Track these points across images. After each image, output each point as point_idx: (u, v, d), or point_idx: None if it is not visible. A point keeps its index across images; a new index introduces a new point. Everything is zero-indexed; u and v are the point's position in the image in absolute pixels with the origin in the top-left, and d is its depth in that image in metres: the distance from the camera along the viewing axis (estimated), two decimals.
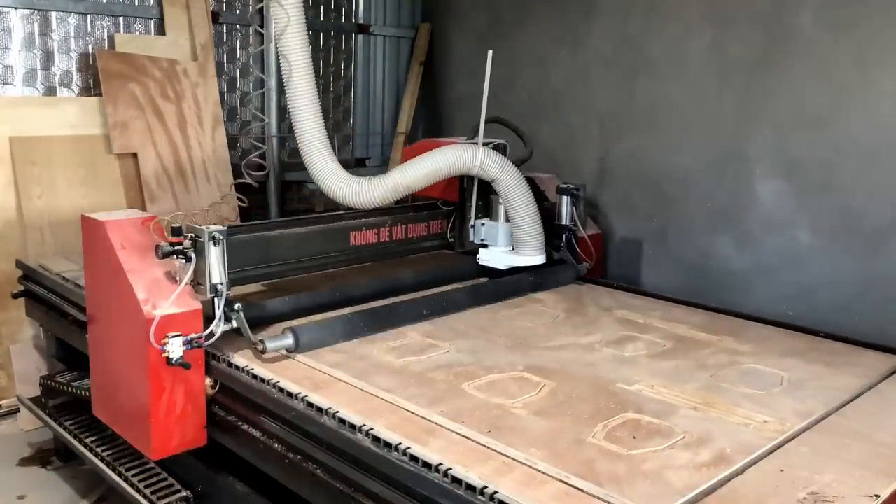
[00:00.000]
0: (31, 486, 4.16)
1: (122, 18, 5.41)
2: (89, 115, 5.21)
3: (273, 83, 6.10)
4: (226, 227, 3.09)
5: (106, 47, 5.35)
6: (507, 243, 4.23)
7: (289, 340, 3.14)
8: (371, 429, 2.53)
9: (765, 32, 4.62)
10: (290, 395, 2.85)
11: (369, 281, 4.01)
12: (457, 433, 2.52)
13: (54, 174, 4.98)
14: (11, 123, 4.89)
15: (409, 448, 2.40)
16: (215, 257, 3.02)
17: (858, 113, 4.26)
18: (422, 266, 4.38)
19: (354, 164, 6.88)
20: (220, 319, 3.05)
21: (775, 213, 4.65)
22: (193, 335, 2.96)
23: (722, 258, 4.92)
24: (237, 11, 6.04)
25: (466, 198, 4.37)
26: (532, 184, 4.34)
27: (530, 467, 2.30)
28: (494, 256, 4.22)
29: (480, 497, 2.18)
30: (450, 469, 2.28)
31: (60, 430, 4.10)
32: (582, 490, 2.18)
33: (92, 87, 5.32)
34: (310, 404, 2.75)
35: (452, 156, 3.93)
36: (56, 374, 4.32)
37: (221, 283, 3.04)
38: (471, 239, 4.37)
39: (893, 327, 4.07)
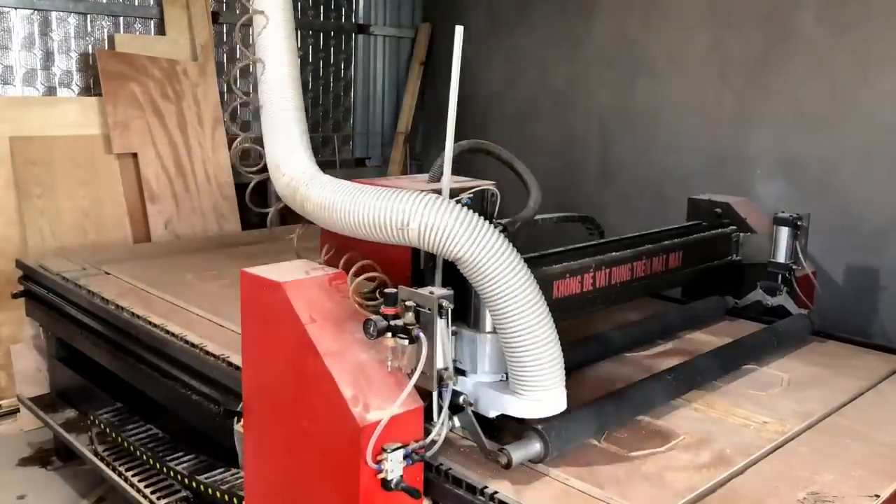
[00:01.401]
0: (31, 486, 4.16)
1: (122, 18, 5.41)
2: (89, 115, 5.21)
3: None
4: (451, 291, 2.23)
5: (106, 47, 5.34)
6: (496, 369, 2.42)
7: (536, 446, 2.26)
8: None
9: (765, 32, 4.62)
10: None
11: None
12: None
13: (54, 174, 4.98)
14: (11, 123, 4.89)
15: None
16: (442, 332, 2.19)
17: (858, 113, 4.26)
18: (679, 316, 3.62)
19: (354, 164, 6.88)
20: (444, 420, 2.23)
21: None
22: (413, 444, 2.16)
23: None
24: (237, 11, 6.04)
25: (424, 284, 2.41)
26: (722, 209, 3.67)
27: (531, 468, 2.30)
28: (473, 392, 2.39)
29: (480, 497, 2.18)
30: (450, 470, 2.27)
31: (60, 430, 4.10)
32: (582, 492, 2.18)
33: (92, 87, 5.32)
34: None
35: (369, 211, 2.25)
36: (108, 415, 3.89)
37: (448, 368, 2.22)
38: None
39: (893, 327, 4.07)
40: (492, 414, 2.36)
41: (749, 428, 2.62)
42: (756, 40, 4.66)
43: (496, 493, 2.15)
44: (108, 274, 4.17)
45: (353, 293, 2.32)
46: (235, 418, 2.71)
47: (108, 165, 5.24)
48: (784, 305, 3.63)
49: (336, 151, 6.70)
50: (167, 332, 3.41)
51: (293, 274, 2.37)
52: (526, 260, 2.21)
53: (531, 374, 2.23)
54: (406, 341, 2.17)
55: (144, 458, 3.54)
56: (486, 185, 2.59)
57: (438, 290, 2.21)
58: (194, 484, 3.22)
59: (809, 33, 4.43)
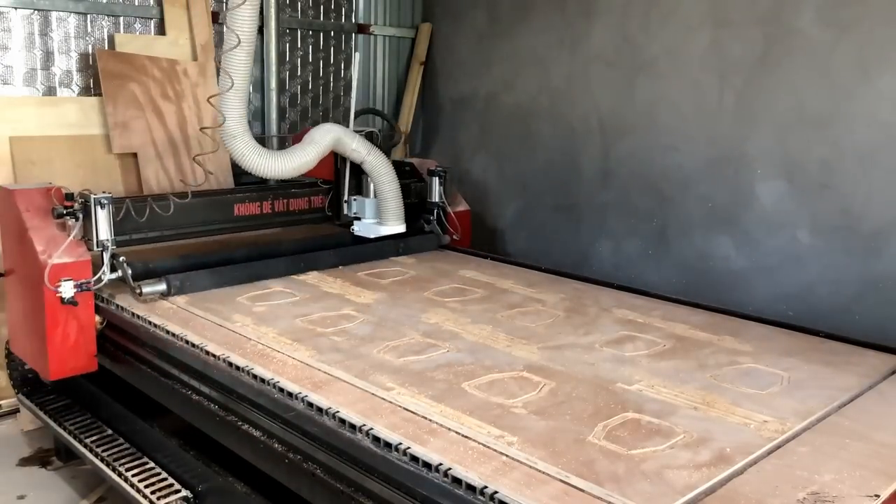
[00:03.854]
0: (31, 486, 4.16)
1: (122, 18, 5.41)
2: (89, 115, 5.21)
3: (273, 83, 6.10)
4: (111, 194, 3.81)
5: (106, 47, 5.34)
6: (376, 216, 4.90)
7: (162, 286, 3.84)
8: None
9: (765, 32, 4.62)
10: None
11: (250, 246, 4.57)
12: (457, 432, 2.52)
13: (54, 174, 4.98)
14: (11, 123, 4.89)
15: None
16: (102, 218, 3.75)
17: (858, 113, 4.27)
18: (300, 234, 5.00)
19: None
20: (106, 267, 3.78)
21: (775, 213, 4.65)
22: (83, 280, 3.67)
23: (722, 258, 4.92)
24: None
25: (341, 177, 4.99)
26: (409, 167, 5.40)
27: (530, 467, 2.30)
28: (365, 227, 4.87)
29: (480, 497, 2.18)
30: (450, 469, 2.28)
31: (60, 430, 4.10)
32: (582, 490, 2.19)
33: (92, 87, 5.32)
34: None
35: (333, 134, 4.59)
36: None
37: (108, 240, 3.77)
38: (345, 213, 5.01)
39: (893, 327, 4.07)
40: (372, 235, 4.84)
41: (749, 427, 2.63)
42: (756, 40, 4.66)
43: (496, 492, 2.16)
44: None
45: (55, 197, 3.78)
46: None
47: (108, 165, 5.24)
48: (433, 230, 5.26)
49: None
50: (167, 332, 3.42)
51: (24, 186, 3.92)
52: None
53: (391, 214, 4.83)
54: (73, 220, 3.73)
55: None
56: (371, 130, 5.06)
57: (101, 194, 3.76)
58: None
59: (809, 33, 4.43)
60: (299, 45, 6.45)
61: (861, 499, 2.19)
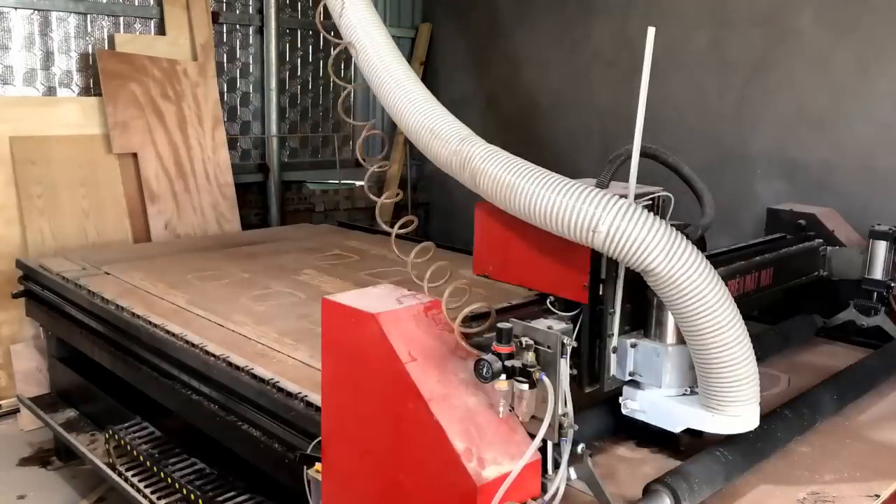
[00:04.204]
0: (31, 486, 4.16)
1: (122, 18, 5.41)
2: (89, 115, 5.21)
3: (273, 83, 6.10)
4: (570, 325, 2.07)
5: (106, 47, 5.34)
6: (680, 384, 2.30)
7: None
8: None
9: (765, 32, 4.62)
10: None
11: None
12: None
13: (54, 174, 4.98)
14: (11, 123, 4.89)
15: None
16: (565, 375, 1.96)
17: (858, 113, 4.26)
18: None
19: (354, 164, 6.88)
20: (563, 474, 1.98)
21: None
22: (531, 503, 1.90)
23: None
24: (237, 11, 6.04)
25: (604, 296, 2.27)
26: (804, 220, 3.51)
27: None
28: (654, 406, 2.31)
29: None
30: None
31: (60, 430, 4.09)
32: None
33: (92, 87, 5.32)
34: None
35: (559, 204, 2.02)
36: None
37: (567, 415, 1.97)
38: (611, 372, 2.35)
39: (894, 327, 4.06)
40: (678, 429, 2.27)
41: None
42: (756, 40, 4.66)
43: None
44: (108, 274, 4.17)
45: (436, 321, 2.10)
46: (306, 463, 2.37)
47: (108, 165, 5.24)
48: (882, 326, 3.38)
49: (336, 151, 6.70)
50: (167, 331, 3.40)
51: (384, 303, 2.07)
52: None
53: (728, 391, 2.08)
54: (525, 385, 1.91)
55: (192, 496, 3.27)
56: (660, 191, 2.47)
57: (557, 325, 1.99)
58: None
59: (809, 33, 4.43)
60: (299, 45, 6.45)
61: (861, 499, 2.19)
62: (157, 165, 5.37)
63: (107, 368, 3.82)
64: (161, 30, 5.57)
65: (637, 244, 1.92)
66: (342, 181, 6.59)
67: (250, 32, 6.11)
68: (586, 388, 2.34)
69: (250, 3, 6.06)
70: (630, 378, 2.32)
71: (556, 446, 1.97)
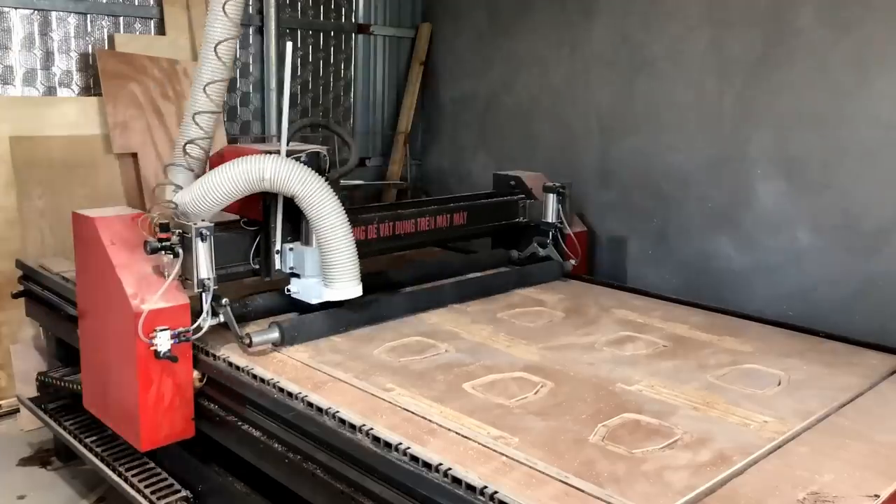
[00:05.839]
0: (31, 486, 4.16)
1: (122, 18, 5.41)
2: (89, 115, 5.21)
3: (273, 83, 6.10)
4: (213, 224, 3.16)
5: (106, 47, 5.34)
6: (318, 272, 3.44)
7: (274, 334, 3.27)
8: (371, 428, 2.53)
9: (765, 32, 4.62)
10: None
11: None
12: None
13: (54, 174, 4.98)
14: (11, 123, 4.89)
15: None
16: (203, 253, 3.08)
17: (858, 113, 4.26)
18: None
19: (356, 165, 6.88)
20: (207, 314, 3.14)
21: (775, 213, 4.65)
22: (181, 329, 3.02)
23: (722, 258, 4.92)
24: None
25: (271, 217, 3.46)
26: (514, 181, 4.71)
27: (530, 467, 2.30)
28: (305, 288, 3.49)
29: (480, 497, 2.18)
30: (450, 469, 2.27)
31: (60, 430, 4.09)
32: (582, 490, 2.18)
33: (92, 87, 5.32)
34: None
35: (235, 171, 3.17)
36: (51, 370, 4.36)
37: (209, 279, 3.11)
38: (277, 266, 3.52)
39: (893, 327, 4.07)
40: (314, 301, 3.45)
41: (749, 427, 2.63)
42: (756, 40, 4.66)
43: (496, 492, 2.16)
44: None
45: (143, 226, 3.19)
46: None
47: (108, 165, 5.24)
48: (550, 255, 4.62)
49: (336, 151, 6.69)
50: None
51: (105, 213, 3.28)
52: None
53: (336, 272, 3.29)
54: (171, 256, 3.05)
55: None
56: (317, 148, 3.51)
57: (202, 223, 3.09)
58: None
59: (809, 33, 4.43)
60: (299, 45, 6.45)
61: (861, 499, 2.19)
62: (157, 165, 5.36)
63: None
64: (161, 30, 5.57)
65: (285, 179, 3.17)
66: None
67: (250, 32, 6.11)
68: (265, 279, 3.58)
69: (250, 3, 6.05)
70: (290, 271, 3.53)
71: (202, 297, 3.11)
